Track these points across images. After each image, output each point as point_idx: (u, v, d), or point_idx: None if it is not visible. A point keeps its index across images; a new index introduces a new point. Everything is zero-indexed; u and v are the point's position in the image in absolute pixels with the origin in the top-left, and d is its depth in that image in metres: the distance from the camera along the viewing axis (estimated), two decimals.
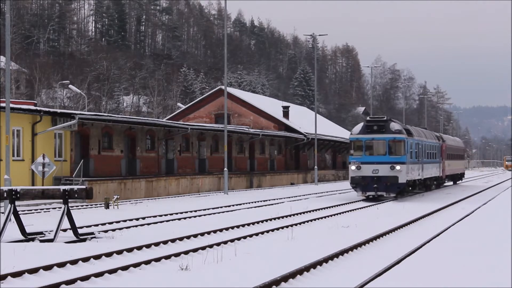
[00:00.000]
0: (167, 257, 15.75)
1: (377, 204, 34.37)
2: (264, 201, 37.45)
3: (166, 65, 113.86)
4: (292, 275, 13.39)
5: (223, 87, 57.97)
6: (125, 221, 24.99)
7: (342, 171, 78.57)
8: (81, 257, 15.28)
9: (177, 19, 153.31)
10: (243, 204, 34.78)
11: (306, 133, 67.69)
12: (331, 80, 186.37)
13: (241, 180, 54.32)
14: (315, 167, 63.30)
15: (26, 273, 13.58)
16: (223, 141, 47.69)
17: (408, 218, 25.62)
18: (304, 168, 71.48)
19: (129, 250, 16.91)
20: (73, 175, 36.57)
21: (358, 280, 12.93)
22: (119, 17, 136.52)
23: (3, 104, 30.00)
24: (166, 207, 31.69)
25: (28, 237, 19.26)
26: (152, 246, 17.85)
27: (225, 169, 44.91)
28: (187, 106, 76.56)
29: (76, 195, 19.09)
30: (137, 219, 25.60)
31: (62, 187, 19.26)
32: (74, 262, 14.92)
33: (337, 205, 33.76)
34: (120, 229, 22.11)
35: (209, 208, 31.37)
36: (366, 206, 33.02)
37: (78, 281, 12.90)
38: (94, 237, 19.59)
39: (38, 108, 38.03)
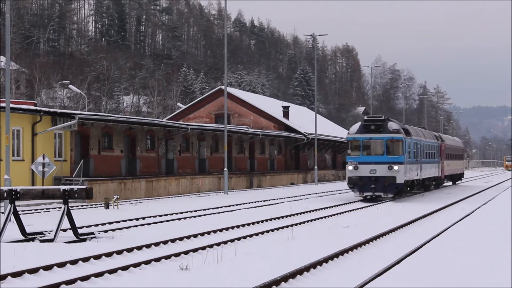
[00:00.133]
0: (167, 257, 15.76)
1: (377, 204, 34.34)
2: (264, 201, 37.44)
3: (166, 65, 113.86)
4: (292, 275, 13.39)
5: (223, 87, 57.97)
6: (125, 221, 24.99)
7: (342, 171, 78.52)
8: (81, 257, 15.28)
9: (177, 19, 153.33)
10: (243, 204, 34.78)
11: (306, 133, 67.69)
12: (331, 80, 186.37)
13: (241, 180, 54.32)
14: (315, 167, 63.30)
15: (26, 273, 13.58)
16: (223, 141, 47.69)
17: (408, 218, 25.62)
18: (304, 168, 71.47)
19: (129, 250, 16.91)
20: (73, 175, 36.58)
21: (358, 280, 12.93)
22: (119, 17, 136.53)
23: (3, 104, 30.00)
24: (166, 207, 31.69)
25: (28, 237, 19.26)
26: (152, 246, 17.86)
27: (225, 169, 44.91)
28: (187, 106, 76.56)
29: (76, 195, 19.09)
30: (137, 219, 25.60)
31: (62, 187, 19.26)
32: (74, 262, 14.92)
33: (337, 205, 33.75)
34: (120, 229, 22.11)
35: (209, 208, 31.36)
36: (366, 206, 33.01)
37: (78, 281, 12.90)
38: (94, 237, 19.59)
39: (38, 108, 38.02)
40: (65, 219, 19.14)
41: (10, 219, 19.24)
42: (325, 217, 26.99)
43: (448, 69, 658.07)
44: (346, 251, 16.77)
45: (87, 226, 22.55)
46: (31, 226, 21.74)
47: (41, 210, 29.68)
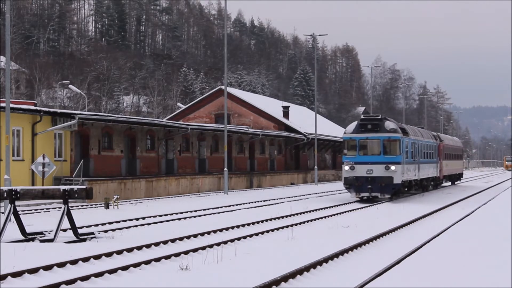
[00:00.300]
0: (167, 257, 15.76)
1: (376, 204, 34.31)
2: (264, 201, 37.44)
3: (166, 65, 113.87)
4: (292, 275, 13.39)
5: (223, 87, 57.98)
6: (125, 221, 24.99)
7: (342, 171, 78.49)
8: (81, 257, 15.28)
9: (177, 19, 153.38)
10: (243, 204, 34.77)
11: (306, 133, 67.69)
12: (331, 80, 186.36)
13: (241, 180, 54.32)
14: (315, 167, 63.30)
15: (26, 273, 13.58)
16: (223, 141, 47.69)
17: (408, 218, 25.63)
18: (304, 168, 71.47)
19: (129, 250, 16.91)
20: (73, 175, 36.58)
21: (358, 280, 12.94)
22: (119, 17, 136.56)
23: (3, 104, 30.00)
24: (166, 207, 31.69)
25: (28, 237, 19.26)
26: (152, 246, 17.86)
27: (225, 169, 44.90)
28: (187, 106, 76.56)
29: (76, 195, 19.09)
30: (137, 219, 25.60)
31: (62, 187, 19.26)
32: (74, 262, 14.92)
33: (337, 205, 33.75)
34: (120, 229, 22.11)
35: (209, 208, 31.37)
36: (366, 207, 32.99)
37: (78, 281, 12.90)
38: (94, 237, 19.60)
39: (38, 108, 38.02)
40: (65, 219, 19.14)
41: (10, 219, 19.24)
42: (325, 217, 26.99)
43: (448, 69, 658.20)
44: (346, 251, 16.77)
45: (87, 226, 22.55)
46: (31, 226, 21.74)
47: (41, 210, 29.68)
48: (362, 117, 38.06)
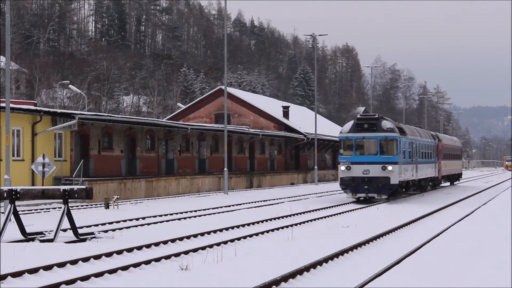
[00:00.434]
0: (167, 257, 15.76)
1: (376, 204, 34.29)
2: (264, 201, 37.44)
3: (166, 65, 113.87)
4: (292, 275, 13.40)
5: (223, 87, 57.98)
6: (125, 221, 25.00)
7: None
8: (81, 257, 15.29)
9: (177, 19, 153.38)
10: (243, 204, 34.78)
11: (306, 133, 67.69)
12: (331, 80, 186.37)
13: (241, 180, 54.32)
14: (315, 167, 63.30)
15: (26, 273, 13.58)
16: (223, 141, 47.69)
17: (408, 218, 25.62)
18: (304, 168, 71.48)
19: (129, 250, 16.91)
20: (73, 175, 36.58)
21: (358, 280, 12.94)
22: (119, 17, 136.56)
23: (3, 104, 30.00)
24: (166, 207, 31.69)
25: (28, 237, 19.26)
26: (152, 246, 17.86)
27: (225, 169, 44.90)
28: (187, 106, 76.56)
29: (76, 195, 19.09)
30: (137, 219, 25.60)
31: (62, 187, 19.26)
32: (74, 262, 14.93)
33: (337, 205, 33.73)
34: (120, 229, 22.12)
35: (209, 208, 31.37)
36: (366, 207, 32.98)
37: (78, 281, 12.90)
38: (94, 237, 19.60)
39: (38, 108, 38.02)
40: (65, 219, 19.14)
41: (10, 219, 19.25)
42: (325, 217, 26.98)
43: (448, 69, 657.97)
44: (346, 251, 16.77)
45: (87, 226, 22.55)
46: (31, 226, 21.74)
47: (41, 210, 29.68)
48: (358, 116, 37.26)
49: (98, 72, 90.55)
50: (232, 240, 18.83)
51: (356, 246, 17.62)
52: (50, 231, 19.70)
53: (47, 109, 38.40)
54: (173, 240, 18.87)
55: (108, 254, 16.10)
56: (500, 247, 16.11)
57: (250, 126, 66.20)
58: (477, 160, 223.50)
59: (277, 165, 65.54)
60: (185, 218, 26.43)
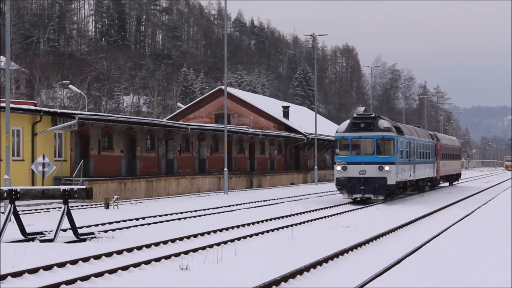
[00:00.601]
0: (167, 257, 15.76)
1: (376, 204, 34.26)
2: (264, 201, 37.44)
3: (166, 65, 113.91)
4: (292, 275, 13.40)
5: (223, 87, 57.99)
6: (125, 221, 25.00)
7: None
8: (81, 257, 15.29)
9: (177, 19, 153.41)
10: (243, 204, 34.77)
11: (306, 133, 67.70)
12: (331, 80, 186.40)
13: (241, 180, 54.33)
14: (315, 167, 63.31)
15: (26, 273, 13.58)
16: (223, 141, 47.70)
17: (408, 218, 25.62)
18: (304, 168, 71.49)
19: (129, 250, 16.91)
20: (73, 175, 36.58)
21: (358, 280, 12.94)
22: (119, 17, 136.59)
23: (3, 104, 30.00)
24: (166, 207, 31.69)
25: (28, 237, 19.26)
26: (152, 246, 17.86)
27: (225, 169, 44.90)
28: (187, 106, 76.56)
29: (76, 195, 19.09)
30: (137, 219, 25.60)
31: (62, 187, 19.26)
32: (74, 262, 14.93)
33: (337, 205, 33.72)
34: (120, 229, 22.12)
35: (209, 208, 31.37)
36: (366, 207, 32.96)
37: (78, 281, 12.90)
38: (94, 237, 19.60)
39: (38, 108, 38.02)
40: (65, 219, 19.14)
41: (10, 219, 19.25)
42: (325, 217, 26.98)
43: (448, 69, 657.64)
44: (346, 251, 16.77)
45: (87, 226, 22.55)
46: (31, 226, 21.74)
47: (41, 210, 29.68)
48: (355, 115, 36.22)
49: (98, 72, 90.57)
50: (232, 240, 18.83)
51: (356, 246, 17.62)
52: (50, 231, 19.70)
53: (47, 109, 38.40)
54: (173, 240, 18.87)
55: (108, 254, 16.10)
56: (500, 247, 16.11)
57: (250, 126, 66.20)
58: (477, 160, 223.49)
59: (277, 165, 65.54)
60: (185, 218, 26.43)
